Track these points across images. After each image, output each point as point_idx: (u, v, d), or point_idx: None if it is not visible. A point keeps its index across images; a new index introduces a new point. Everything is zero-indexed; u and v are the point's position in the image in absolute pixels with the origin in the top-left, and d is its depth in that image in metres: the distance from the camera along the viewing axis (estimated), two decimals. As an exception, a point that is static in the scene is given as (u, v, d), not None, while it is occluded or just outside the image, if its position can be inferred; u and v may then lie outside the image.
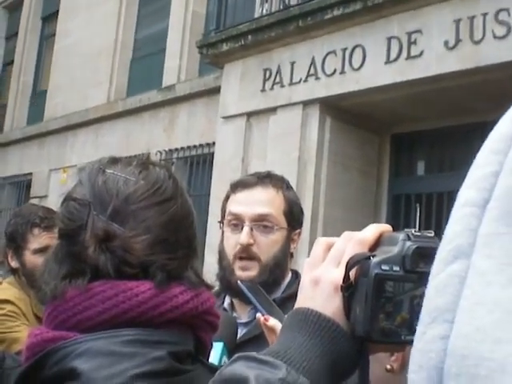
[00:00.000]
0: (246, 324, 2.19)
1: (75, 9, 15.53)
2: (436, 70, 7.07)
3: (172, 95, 11.55)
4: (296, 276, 2.30)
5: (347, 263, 0.92)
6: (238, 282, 2.02)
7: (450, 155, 8.43)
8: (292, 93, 8.52)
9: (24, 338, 2.72)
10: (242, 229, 2.23)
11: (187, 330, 1.23)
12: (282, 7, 8.78)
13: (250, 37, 8.95)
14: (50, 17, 17.33)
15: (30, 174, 15.25)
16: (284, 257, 2.28)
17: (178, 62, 12.06)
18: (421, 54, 7.22)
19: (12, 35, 18.85)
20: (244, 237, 2.20)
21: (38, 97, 16.76)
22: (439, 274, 0.44)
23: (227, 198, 2.34)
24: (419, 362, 0.43)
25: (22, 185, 15.49)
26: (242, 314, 2.24)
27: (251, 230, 2.22)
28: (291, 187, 2.41)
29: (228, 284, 2.22)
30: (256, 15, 9.35)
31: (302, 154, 8.19)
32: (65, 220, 1.25)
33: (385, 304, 0.89)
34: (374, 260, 0.90)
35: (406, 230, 0.92)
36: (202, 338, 1.27)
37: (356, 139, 8.59)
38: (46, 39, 17.52)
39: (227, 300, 2.30)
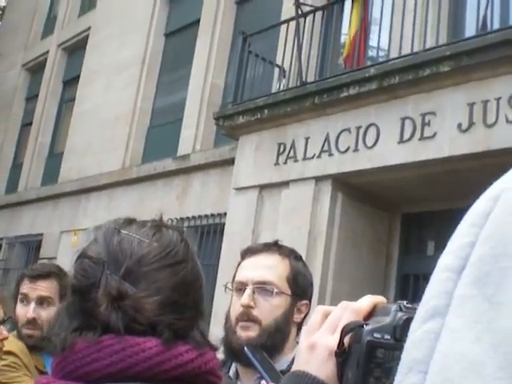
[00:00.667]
0: None
1: (96, 74, 15.86)
2: (448, 151, 7.15)
3: (186, 164, 11.68)
4: None
5: (342, 330, 0.98)
6: (245, 348, 2.06)
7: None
8: (305, 168, 8.61)
9: None
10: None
11: None
12: (298, 83, 8.95)
13: (266, 111, 9.10)
14: (71, 81, 17.68)
15: (41, 234, 15.33)
16: (286, 323, 2.31)
17: (194, 132, 12.22)
18: (434, 135, 7.31)
19: (32, 97, 19.20)
20: (245, 299, 2.26)
21: (54, 159, 16.96)
22: (416, 330, 0.49)
23: (238, 265, 2.42)
24: None
25: (33, 245, 15.55)
26: (246, 382, 2.26)
27: (253, 292, 2.28)
28: (301, 260, 2.46)
29: (230, 345, 2.25)
30: (273, 90, 9.54)
31: (312, 229, 8.23)
32: (78, 276, 1.29)
33: (374, 369, 0.94)
34: (367, 328, 0.95)
35: (398, 301, 0.98)
36: None
37: (367, 217, 8.63)
38: (66, 102, 17.84)
39: (233, 368, 2.33)
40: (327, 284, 8.09)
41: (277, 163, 8.97)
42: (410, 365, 0.48)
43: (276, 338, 2.27)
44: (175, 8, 14.66)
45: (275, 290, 2.29)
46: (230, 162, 10.10)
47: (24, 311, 3.13)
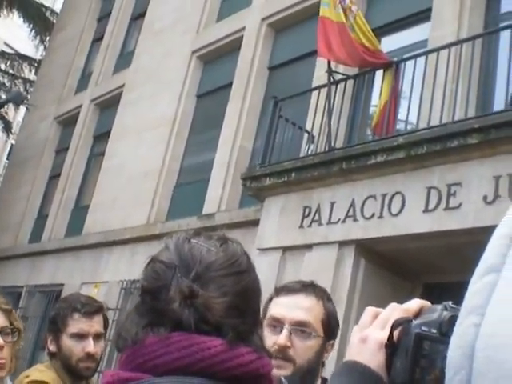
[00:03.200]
0: None
1: (126, 131, 16.16)
2: (473, 223, 7.20)
3: (211, 223, 11.79)
4: (325, 383, 2.38)
5: (392, 324, 1.10)
6: (282, 378, 2.12)
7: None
8: (329, 232, 8.69)
9: None
10: (280, 331, 2.35)
11: None
12: (327, 149, 9.10)
13: (293, 174, 9.23)
14: (101, 136, 18.01)
15: (62, 284, 15.41)
16: (317, 364, 2.39)
17: (220, 192, 12.38)
18: (459, 205, 7.38)
19: (62, 149, 19.54)
20: (282, 338, 2.32)
21: (79, 211, 17.17)
22: (476, 283, 0.59)
23: (270, 299, 2.49)
24: (457, 343, 0.57)
25: (53, 295, 15.60)
26: None
27: (290, 333, 2.34)
28: (331, 300, 2.54)
29: None
30: (301, 154, 9.69)
31: (333, 293, 8.23)
32: (150, 279, 1.39)
33: (421, 360, 1.05)
34: (415, 322, 1.08)
35: (444, 302, 1.10)
36: None
37: (388, 284, 8.66)
38: (95, 157, 18.14)
39: None
40: (345, 350, 8.07)
41: (301, 226, 9.06)
42: (469, 309, 0.58)
43: (307, 377, 2.34)
44: (208, 70, 14.99)
45: (313, 333, 2.36)
46: (254, 222, 10.20)
47: (81, 346, 3.22)
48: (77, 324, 3.25)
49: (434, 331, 1.05)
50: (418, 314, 1.13)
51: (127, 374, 1.31)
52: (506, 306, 0.55)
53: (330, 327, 2.44)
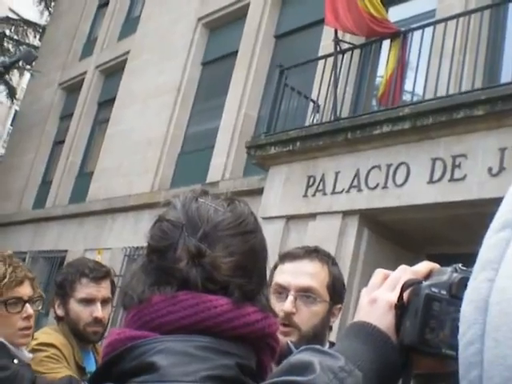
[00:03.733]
0: None
1: (131, 98, 16.12)
2: (477, 194, 7.20)
3: (215, 191, 11.48)
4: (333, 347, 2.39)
5: (402, 285, 1.11)
6: (288, 341, 2.13)
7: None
8: (333, 201, 8.70)
9: None
10: (286, 297, 2.35)
11: (251, 349, 1.34)
12: (332, 118, 9.08)
13: (298, 143, 9.22)
14: (106, 102, 17.97)
15: (66, 251, 15.47)
16: (323, 329, 2.39)
17: (225, 161, 12.38)
18: (464, 177, 7.38)
19: (66, 116, 19.52)
20: (288, 305, 2.32)
21: (83, 178, 17.19)
22: (491, 238, 0.60)
23: (275, 267, 2.48)
24: (471, 297, 0.59)
25: (56, 261, 15.68)
26: None
27: (295, 299, 2.34)
28: (336, 264, 2.53)
29: None
30: (306, 124, 9.67)
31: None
32: (156, 238, 1.38)
33: (430, 320, 1.06)
34: (425, 283, 1.09)
35: (453, 264, 1.11)
36: (263, 361, 1.38)
37: (391, 254, 8.68)
38: (99, 123, 18.12)
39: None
40: (347, 320, 8.13)
41: (305, 195, 9.07)
42: (484, 264, 0.59)
43: (314, 343, 2.33)
44: (214, 38, 14.91)
45: (318, 299, 2.36)
46: (259, 191, 10.21)
47: (88, 311, 3.24)
48: (85, 289, 3.26)
49: (443, 292, 1.07)
50: (428, 276, 1.13)
51: (133, 332, 1.31)
52: None
53: (336, 291, 2.43)
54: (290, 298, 2.34)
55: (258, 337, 1.34)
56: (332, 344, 2.43)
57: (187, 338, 1.27)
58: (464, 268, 1.09)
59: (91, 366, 3.30)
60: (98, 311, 3.25)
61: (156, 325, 1.30)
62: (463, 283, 1.04)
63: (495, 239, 0.60)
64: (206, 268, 1.32)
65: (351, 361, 1.07)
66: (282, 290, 2.38)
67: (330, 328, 2.46)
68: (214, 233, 1.36)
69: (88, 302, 3.26)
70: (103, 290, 3.29)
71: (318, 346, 1.09)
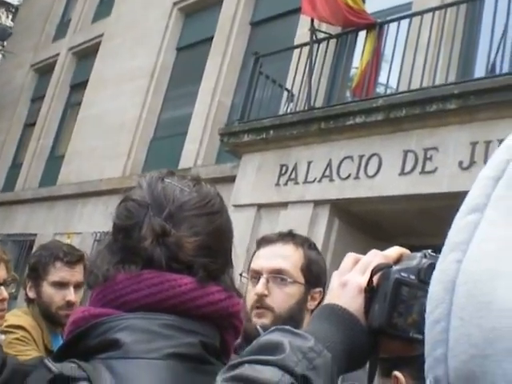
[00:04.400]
0: None
1: (104, 81, 16.00)
2: (448, 187, 7.27)
3: (187, 177, 11.76)
4: None
5: (372, 269, 1.13)
6: (257, 326, 2.14)
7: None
8: (305, 191, 8.73)
9: None
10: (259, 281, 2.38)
11: (215, 328, 1.36)
12: (306, 108, 9.09)
13: (271, 132, 9.22)
14: (78, 85, 17.80)
15: (35, 234, 15.36)
16: (299, 311, 2.38)
17: (197, 147, 12.34)
18: (435, 170, 7.44)
19: (38, 98, 19.32)
20: (259, 287, 2.35)
21: (54, 161, 17.05)
22: (460, 220, 0.62)
23: (253, 254, 2.50)
24: (439, 278, 0.61)
25: (25, 244, 15.56)
26: None
27: (267, 281, 2.36)
28: (315, 248, 2.53)
29: (246, 332, 2.32)
30: (280, 112, 9.67)
31: (306, 251, 8.30)
32: (122, 217, 1.40)
33: (399, 305, 1.09)
34: (395, 268, 1.12)
35: (423, 250, 1.14)
36: (227, 340, 1.40)
37: (361, 244, 8.72)
38: (71, 106, 17.97)
39: (238, 340, 2.40)
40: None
41: (277, 184, 9.09)
42: (452, 246, 0.61)
43: (289, 325, 2.34)
44: (189, 23, 14.83)
45: (289, 279, 2.37)
46: (231, 179, 10.20)
47: (61, 295, 3.23)
48: (59, 272, 3.25)
49: (412, 277, 1.09)
50: (398, 261, 1.16)
51: (98, 309, 1.32)
52: (486, 243, 0.58)
53: (313, 274, 2.42)
54: (262, 280, 2.36)
55: (221, 316, 1.36)
56: None
57: (151, 315, 1.28)
58: (433, 254, 1.12)
59: None
60: (71, 295, 3.24)
61: (120, 303, 1.31)
62: (432, 268, 1.07)
63: (464, 222, 0.62)
64: (170, 247, 1.34)
65: (321, 342, 1.08)
66: (257, 275, 2.40)
67: (311, 312, 2.46)
68: (179, 213, 1.37)
69: (61, 285, 3.25)
70: (77, 274, 3.29)
71: (287, 327, 1.11)
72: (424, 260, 1.11)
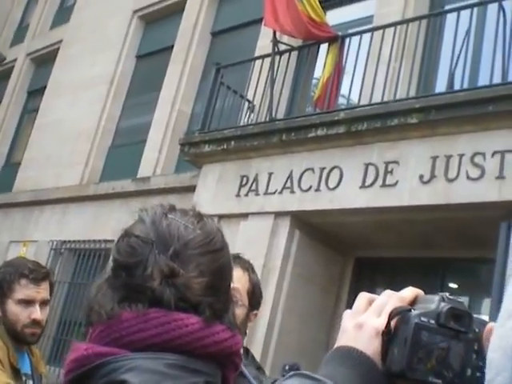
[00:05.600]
0: None
1: (62, 88, 15.83)
2: (408, 201, 7.33)
3: (146, 187, 11.71)
4: (247, 353, 2.52)
5: (391, 312, 1.10)
6: None
7: (408, 285, 8.57)
8: (265, 202, 8.72)
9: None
10: None
11: (217, 367, 1.34)
12: (267, 119, 9.09)
13: (232, 142, 9.21)
14: (35, 92, 17.62)
15: (-10, 242, 15.12)
16: (240, 332, 2.41)
17: (157, 156, 12.28)
18: (395, 183, 7.49)
19: (-6, 104, 19.04)
20: None
21: (10, 168, 16.81)
22: None
23: None
24: (499, 344, 0.58)
25: (-21, 252, 15.29)
26: None
27: None
28: (255, 272, 2.65)
29: None
30: (241, 123, 9.66)
31: (267, 262, 8.32)
32: (124, 253, 1.36)
33: (419, 350, 1.06)
34: (414, 312, 1.09)
35: (440, 293, 1.12)
36: (227, 377, 1.38)
37: (321, 256, 8.77)
38: (29, 113, 17.76)
39: None
40: (276, 317, 8.18)
41: (238, 195, 9.07)
42: (509, 312, 0.59)
43: None
44: (149, 31, 14.77)
45: (239, 302, 2.45)
46: (190, 189, 10.17)
47: (27, 312, 3.17)
48: (24, 290, 3.19)
49: (432, 322, 1.07)
50: (413, 302, 1.14)
51: (102, 348, 1.29)
52: None
53: (255, 297, 2.55)
54: None
55: (225, 355, 1.35)
56: (245, 349, 2.50)
57: (158, 355, 1.26)
58: (451, 297, 1.11)
59: (26, 368, 3.23)
60: (37, 313, 3.18)
61: (126, 342, 1.28)
62: (451, 313, 1.08)
63: None
64: (179, 288, 1.31)
65: None
66: None
67: (245, 333, 2.55)
68: (184, 251, 1.34)
69: (27, 303, 3.19)
70: (42, 291, 3.23)
71: (307, 372, 1.09)
72: (442, 304, 1.09)
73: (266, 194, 8.78)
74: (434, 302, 1.10)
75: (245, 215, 8.93)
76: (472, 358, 1.07)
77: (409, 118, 7.41)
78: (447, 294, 1.11)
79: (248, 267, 2.56)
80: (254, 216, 8.81)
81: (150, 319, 1.29)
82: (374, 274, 9.08)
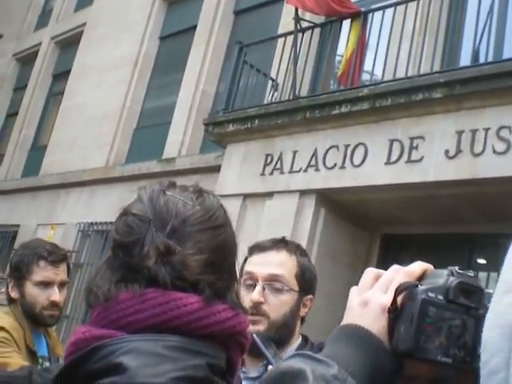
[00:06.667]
0: (254, 379, 2.29)
1: (87, 70, 15.87)
2: (434, 176, 7.26)
3: (171, 168, 11.71)
4: (306, 341, 2.41)
5: (397, 289, 1.06)
6: (253, 334, 2.13)
7: (436, 261, 8.53)
8: (290, 180, 8.69)
9: (14, 363, 2.79)
10: (254, 288, 2.38)
11: (221, 348, 1.31)
12: (291, 97, 9.04)
13: (256, 121, 9.17)
14: (61, 75, 17.67)
15: (18, 225, 15.25)
16: (292, 318, 2.41)
17: (181, 137, 12.27)
18: (421, 159, 7.42)
19: (20, 87, 19.16)
20: (255, 294, 2.36)
21: (37, 151, 16.91)
22: None
23: (245, 260, 2.50)
24: (495, 322, 0.55)
25: (8, 235, 15.46)
26: (252, 369, 2.33)
27: (263, 289, 2.38)
28: (307, 255, 2.55)
29: None
30: (265, 102, 9.62)
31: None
32: (122, 232, 1.34)
33: (426, 327, 1.02)
34: (421, 287, 1.04)
35: (449, 267, 1.07)
36: (232, 358, 1.35)
37: (347, 234, 8.73)
38: (54, 96, 17.81)
39: None
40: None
41: (263, 174, 9.05)
42: (507, 285, 0.55)
43: (283, 332, 2.37)
44: (172, 12, 14.73)
45: (285, 288, 2.39)
46: (215, 169, 10.16)
47: (46, 294, 3.19)
48: (43, 272, 3.20)
49: (440, 297, 1.03)
50: (422, 277, 1.09)
51: (100, 330, 1.27)
52: None
53: (306, 281, 2.45)
54: (258, 287, 2.37)
55: (228, 335, 1.32)
56: (304, 338, 2.44)
57: (156, 337, 1.24)
58: (461, 271, 1.06)
59: (43, 350, 3.25)
60: (56, 295, 3.19)
61: (123, 324, 1.26)
62: (461, 288, 1.03)
63: None
64: (175, 266, 1.29)
65: (343, 367, 1.02)
66: (252, 281, 2.41)
67: (303, 319, 2.49)
68: (182, 228, 1.32)
69: (45, 285, 3.20)
70: (61, 273, 3.24)
71: (309, 352, 1.04)
72: (451, 278, 1.04)
73: (290, 172, 8.74)
74: (443, 277, 1.05)
75: (270, 194, 8.90)
76: None
77: (433, 93, 7.32)
78: (456, 268, 1.07)
79: (295, 250, 2.47)
80: (278, 195, 8.78)
81: (147, 299, 1.26)
82: (401, 250, 9.01)
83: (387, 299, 1.07)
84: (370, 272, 1.15)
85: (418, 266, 1.11)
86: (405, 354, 1.03)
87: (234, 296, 1.38)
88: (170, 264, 1.28)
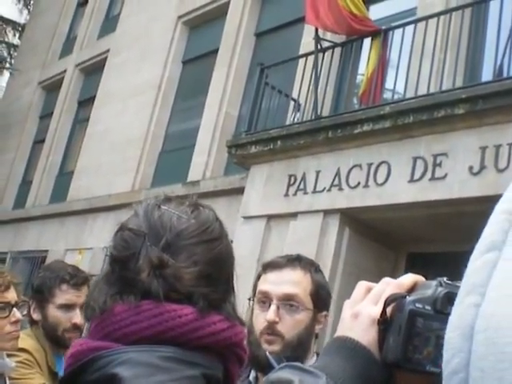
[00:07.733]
0: None
1: (111, 97, 16.03)
2: (458, 193, 7.20)
3: (196, 190, 11.72)
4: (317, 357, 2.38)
5: (386, 300, 1.05)
6: (267, 353, 2.11)
7: (461, 280, 8.47)
8: (314, 200, 8.67)
9: None
10: (269, 307, 2.35)
11: (218, 359, 1.31)
12: (313, 117, 9.04)
13: (279, 142, 9.18)
14: (86, 101, 17.87)
15: (46, 251, 15.38)
16: (307, 337, 2.38)
17: (206, 159, 12.32)
18: (444, 176, 7.37)
19: (46, 115, 19.39)
20: (270, 314, 2.33)
21: (64, 177, 17.08)
22: (476, 260, 0.56)
23: (258, 277, 2.49)
24: (456, 323, 0.54)
25: (37, 261, 15.58)
26: None
27: (278, 308, 2.34)
28: (320, 271, 2.53)
29: (254, 357, 2.29)
30: (287, 122, 9.63)
31: (317, 261, 8.17)
32: (119, 247, 1.36)
33: (414, 337, 1.01)
34: (409, 298, 1.03)
35: (438, 278, 1.05)
36: (230, 369, 1.35)
37: (372, 253, 8.67)
38: (80, 122, 18.01)
39: (252, 373, 2.38)
40: (328, 317, 8.10)
41: (286, 194, 9.04)
42: (469, 288, 0.55)
43: (298, 350, 2.34)
44: (194, 35, 14.85)
45: (300, 307, 2.36)
46: (239, 190, 10.17)
47: (68, 317, 3.21)
48: (65, 295, 3.22)
49: (428, 308, 1.02)
50: (412, 289, 1.08)
51: (96, 342, 1.28)
52: (507, 285, 0.52)
53: (320, 299, 2.43)
54: (273, 307, 2.35)
55: (224, 346, 1.32)
56: (319, 355, 2.41)
57: (151, 348, 1.24)
58: (449, 282, 1.04)
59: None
60: (78, 317, 3.21)
61: (119, 335, 1.27)
62: (448, 298, 1.01)
63: (481, 262, 0.56)
64: (168, 279, 1.29)
65: (332, 378, 1.01)
66: (265, 300, 2.39)
67: (316, 335, 2.46)
68: (177, 241, 1.33)
69: (67, 307, 3.22)
70: (83, 295, 3.25)
71: (297, 364, 1.04)
72: (440, 289, 1.03)
73: (314, 192, 8.72)
74: (431, 288, 1.04)
75: (294, 215, 8.88)
76: None
77: (456, 109, 7.27)
78: (445, 278, 1.06)
79: (310, 267, 2.44)
80: (303, 215, 8.75)
81: (142, 311, 1.27)
82: (426, 269, 8.92)
83: (377, 311, 1.06)
84: (362, 285, 1.14)
85: (408, 278, 1.10)
86: (394, 365, 1.03)
87: (230, 308, 1.38)
88: (162, 276, 1.29)
